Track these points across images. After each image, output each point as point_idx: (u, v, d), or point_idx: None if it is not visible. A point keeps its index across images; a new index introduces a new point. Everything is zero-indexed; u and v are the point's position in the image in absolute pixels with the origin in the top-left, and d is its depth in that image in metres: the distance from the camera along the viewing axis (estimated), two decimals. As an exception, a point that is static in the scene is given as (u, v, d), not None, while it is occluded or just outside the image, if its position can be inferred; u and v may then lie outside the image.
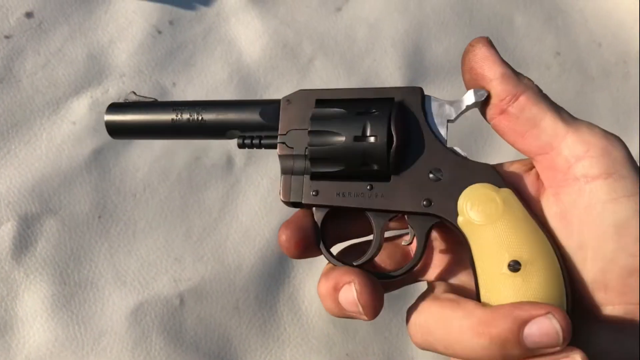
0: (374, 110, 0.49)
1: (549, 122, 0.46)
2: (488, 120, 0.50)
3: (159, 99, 0.80)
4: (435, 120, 0.50)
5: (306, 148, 0.51)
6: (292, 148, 0.52)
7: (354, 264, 0.52)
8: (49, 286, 0.77)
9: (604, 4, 1.09)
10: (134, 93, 0.59)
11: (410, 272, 0.52)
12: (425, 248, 0.50)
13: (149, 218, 0.83)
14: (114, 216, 0.82)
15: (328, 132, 0.49)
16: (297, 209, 0.54)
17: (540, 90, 0.48)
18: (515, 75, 0.47)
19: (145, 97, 0.59)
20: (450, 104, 0.50)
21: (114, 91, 0.88)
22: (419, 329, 0.47)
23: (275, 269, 0.84)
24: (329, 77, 0.95)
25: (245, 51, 0.94)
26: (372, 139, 0.48)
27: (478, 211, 0.47)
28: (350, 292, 0.48)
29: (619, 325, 0.44)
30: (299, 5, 0.99)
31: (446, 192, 0.48)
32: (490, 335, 0.41)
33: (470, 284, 0.51)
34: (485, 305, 0.45)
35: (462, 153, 0.49)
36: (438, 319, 0.45)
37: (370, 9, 1.01)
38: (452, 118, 0.50)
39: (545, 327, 0.40)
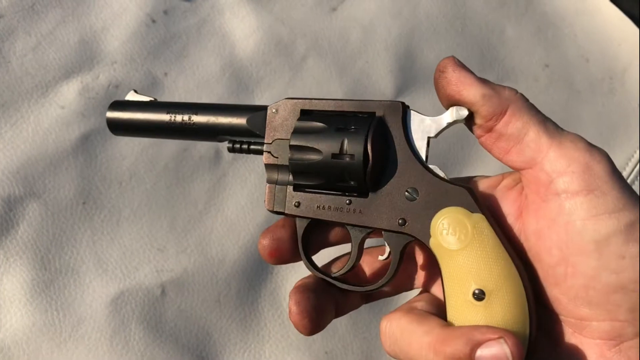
0: (352, 127, 0.49)
1: (533, 136, 0.46)
2: (476, 136, 0.50)
3: (151, 89, 0.80)
4: (415, 136, 0.50)
5: (289, 158, 0.51)
6: (277, 158, 0.53)
7: (332, 275, 0.53)
8: (28, 270, 0.76)
9: (593, 20, 1.11)
10: (135, 91, 0.61)
11: (389, 285, 0.53)
12: (399, 265, 0.51)
13: (134, 207, 0.82)
14: (98, 203, 0.81)
15: (308, 147, 0.50)
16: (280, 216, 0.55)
17: (525, 100, 0.48)
18: (496, 93, 0.47)
19: (146, 96, 0.60)
20: (431, 120, 0.50)
21: (105, 78, 0.87)
22: (388, 337, 0.48)
23: (258, 264, 0.84)
24: (320, 76, 0.95)
25: (238, 45, 0.94)
26: (348, 158, 0.48)
27: (449, 235, 0.47)
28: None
29: (606, 341, 0.44)
30: (295, 3, 0.99)
31: (420, 213, 0.48)
32: (445, 354, 0.43)
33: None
34: (447, 324, 0.46)
35: (441, 173, 0.49)
36: (404, 331, 0.47)
37: (364, 11, 1.01)
38: (433, 135, 0.50)
39: (495, 351, 0.41)
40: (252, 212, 0.86)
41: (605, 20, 1.11)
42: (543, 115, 0.48)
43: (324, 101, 0.53)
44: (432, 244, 0.48)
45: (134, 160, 0.84)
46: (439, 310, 0.49)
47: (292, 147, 0.51)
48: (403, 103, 0.50)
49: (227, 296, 0.81)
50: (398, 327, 0.47)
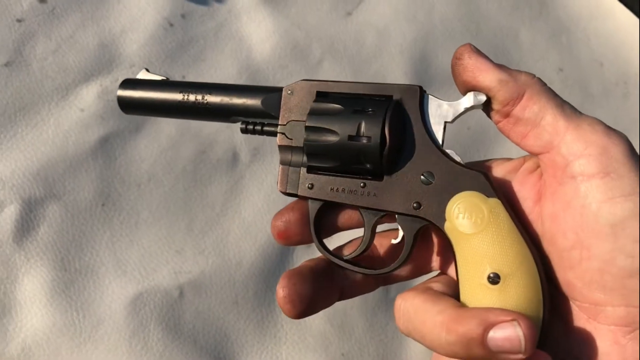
0: (369, 110, 0.49)
1: (550, 120, 0.46)
2: (494, 122, 0.50)
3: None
4: (432, 121, 0.50)
5: (304, 140, 0.51)
6: (291, 139, 0.52)
7: (344, 258, 0.52)
8: (49, 271, 0.77)
9: (605, 24, 1.11)
10: (147, 70, 0.60)
11: (404, 268, 0.53)
12: (412, 249, 0.51)
13: (152, 209, 0.83)
14: (117, 205, 0.82)
15: (324, 129, 0.49)
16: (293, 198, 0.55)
17: (542, 84, 0.47)
18: (512, 77, 0.47)
19: (157, 75, 0.60)
20: (449, 104, 0.50)
21: (124, 81, 0.88)
22: (401, 315, 0.48)
23: (275, 266, 0.84)
24: (336, 79, 0.96)
25: (255, 49, 0.95)
26: (365, 140, 0.48)
27: (465, 219, 0.47)
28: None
29: (620, 327, 0.44)
30: (311, 7, 1.00)
31: (436, 197, 0.48)
32: (457, 332, 0.43)
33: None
34: (461, 305, 0.46)
35: (457, 158, 0.49)
36: (418, 310, 0.47)
37: (379, 16, 1.02)
38: (450, 120, 0.50)
39: (509, 333, 0.41)
40: (269, 214, 0.86)
41: (618, 24, 1.11)
42: (560, 98, 0.47)
43: (340, 83, 0.52)
44: (447, 227, 0.48)
45: (152, 163, 0.85)
46: (454, 292, 0.49)
47: (307, 128, 0.50)
48: (420, 87, 0.50)
49: (244, 298, 0.82)
50: (412, 305, 0.47)
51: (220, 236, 0.84)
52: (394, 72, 0.99)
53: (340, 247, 0.56)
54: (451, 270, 0.54)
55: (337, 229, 0.57)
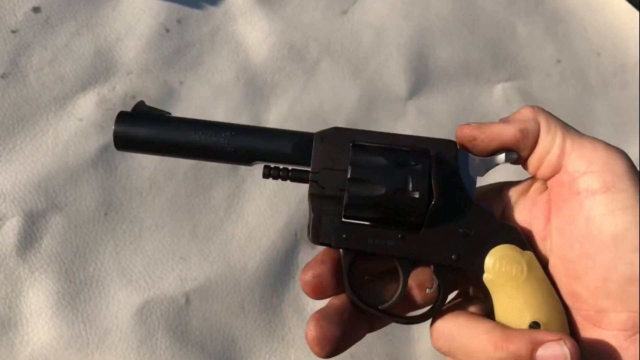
0: (413, 163, 0.49)
1: (559, 143, 0.49)
2: (525, 168, 0.53)
3: (168, 98, 0.79)
4: (466, 175, 0.51)
5: (339, 190, 0.50)
6: (324, 188, 0.51)
7: (379, 307, 0.52)
8: (53, 283, 0.77)
9: (603, 14, 1.11)
10: (144, 102, 0.55)
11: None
12: (446, 298, 0.52)
13: (155, 216, 0.83)
14: (120, 214, 0.82)
15: (368, 181, 0.49)
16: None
17: (544, 111, 0.51)
18: (524, 121, 0.50)
19: (157, 109, 0.55)
20: (481, 160, 0.51)
21: (121, 88, 0.87)
22: (441, 335, 0.50)
23: (280, 269, 0.84)
24: (334, 79, 0.95)
25: (252, 51, 0.94)
26: (413, 194, 0.49)
27: (504, 272, 0.49)
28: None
29: (622, 332, 0.47)
30: (306, 7, 0.99)
31: (474, 249, 0.50)
32: (507, 350, 0.45)
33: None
34: (505, 326, 0.49)
35: (490, 210, 0.51)
36: (463, 330, 0.49)
37: (375, 13, 1.02)
38: (482, 175, 0.52)
39: (556, 351, 0.44)
40: (272, 218, 0.86)
41: (615, 13, 1.11)
42: (564, 123, 0.51)
43: (374, 134, 0.52)
44: (486, 279, 0.50)
45: (153, 170, 0.84)
46: (487, 315, 0.52)
47: (350, 180, 0.50)
48: (455, 142, 0.51)
49: (251, 302, 0.82)
50: (456, 325, 0.49)
51: (225, 241, 0.84)
52: (392, 70, 0.98)
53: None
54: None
55: (367, 277, 0.57)
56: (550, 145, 0.50)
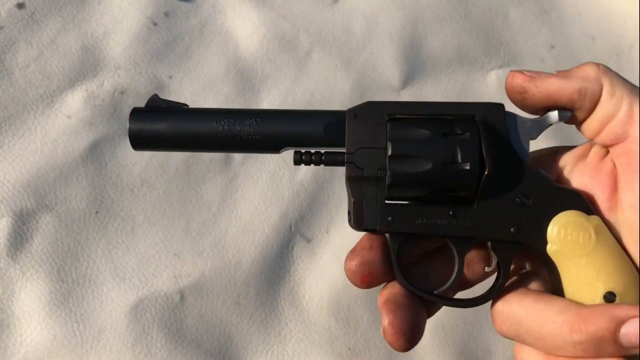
0: (460, 132, 0.45)
1: (626, 109, 0.45)
2: (579, 128, 0.48)
3: (157, 92, 0.77)
4: (518, 140, 0.47)
5: (379, 170, 0.47)
6: (362, 169, 0.47)
7: (435, 292, 0.49)
8: (46, 283, 0.76)
9: (596, -2, 1.09)
10: (157, 96, 0.52)
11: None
12: (507, 276, 0.48)
13: (147, 213, 0.82)
14: (111, 211, 0.81)
15: (412, 156, 0.45)
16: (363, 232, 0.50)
17: (610, 71, 0.46)
18: (586, 80, 0.45)
19: (173, 101, 0.52)
20: (532, 121, 0.48)
21: (110, 84, 0.86)
22: (506, 319, 0.46)
23: (275, 263, 0.83)
24: (326, 70, 0.94)
25: (242, 44, 0.93)
26: (463, 166, 0.45)
27: (570, 240, 0.45)
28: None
29: None
30: (296, -3, 0.98)
31: (534, 219, 0.46)
32: (587, 332, 0.41)
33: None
34: (581, 304, 0.44)
35: (546, 175, 0.47)
36: (531, 312, 0.45)
37: (366, 2, 1.00)
38: (535, 137, 0.48)
39: None
40: (266, 212, 0.85)
41: (608, -3, 1.09)
42: (630, 83, 0.46)
43: (411, 104, 0.48)
44: (551, 250, 0.46)
45: (144, 166, 0.83)
46: (554, 292, 0.48)
47: (392, 157, 0.46)
48: (503, 105, 0.47)
49: (246, 297, 0.81)
50: (522, 307, 0.45)
51: (218, 237, 0.83)
52: (384, 59, 0.97)
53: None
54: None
55: (417, 259, 0.53)
56: (614, 111, 0.45)
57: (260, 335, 0.80)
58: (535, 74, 0.46)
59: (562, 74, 0.46)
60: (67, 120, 0.83)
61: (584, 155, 0.49)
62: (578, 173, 0.49)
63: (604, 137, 0.46)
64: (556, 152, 0.50)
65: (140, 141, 0.50)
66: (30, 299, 0.75)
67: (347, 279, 0.82)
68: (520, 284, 0.49)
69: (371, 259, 0.49)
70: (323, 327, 0.81)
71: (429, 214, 0.47)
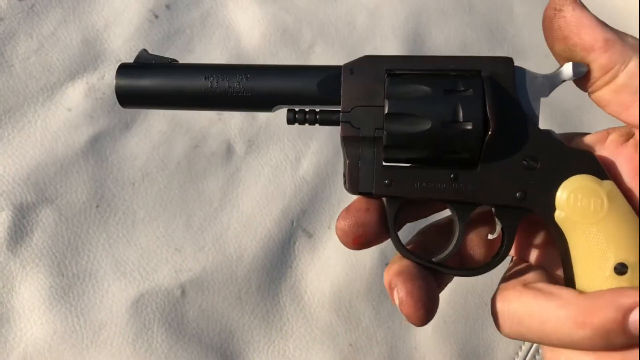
0: (463, 88, 0.42)
1: None
2: (588, 92, 0.45)
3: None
4: (528, 97, 0.44)
5: (377, 129, 0.44)
6: (358, 129, 0.45)
7: (433, 259, 0.47)
8: (46, 278, 0.75)
9: (601, -8, 1.08)
10: (146, 51, 0.49)
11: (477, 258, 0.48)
12: (512, 243, 0.46)
13: (148, 207, 0.81)
14: (112, 205, 0.80)
15: (410, 115, 0.43)
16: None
17: None
18: (620, 39, 0.42)
19: (162, 56, 0.49)
20: (544, 77, 0.44)
21: (110, 77, 0.85)
22: (507, 319, 0.44)
23: (277, 258, 0.82)
24: (329, 63, 0.93)
25: (244, 37, 0.92)
26: (465, 125, 0.42)
27: (580, 207, 0.42)
28: (396, 297, 0.44)
29: None
30: (298, -10, 0.97)
31: (542, 184, 0.43)
32: (593, 325, 0.39)
33: (553, 263, 0.48)
34: (583, 294, 0.41)
35: (558, 137, 0.44)
36: (531, 309, 0.42)
37: (369, -5, 0.99)
38: (546, 95, 0.44)
39: None
40: (268, 207, 0.84)
41: (614, -9, 1.09)
42: None
43: (413, 59, 0.45)
44: (559, 217, 0.43)
45: (145, 160, 0.82)
46: (554, 282, 0.45)
47: (389, 115, 0.43)
48: (512, 59, 0.44)
49: (247, 292, 0.80)
50: (522, 304, 0.43)
51: (220, 231, 0.82)
52: (388, 53, 0.96)
53: (409, 242, 0.50)
54: (531, 257, 0.50)
55: (410, 221, 0.51)
56: None
57: (262, 331, 0.79)
58: (580, 3, 0.43)
59: (603, 22, 0.43)
60: (67, 113, 0.82)
61: (600, 141, 0.46)
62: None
63: (635, 112, 0.43)
64: (572, 138, 0.47)
65: (127, 97, 0.48)
66: (30, 293, 0.74)
67: (348, 275, 0.83)
68: (520, 278, 0.46)
69: (366, 221, 0.46)
70: (325, 322, 0.81)
71: (428, 177, 0.44)
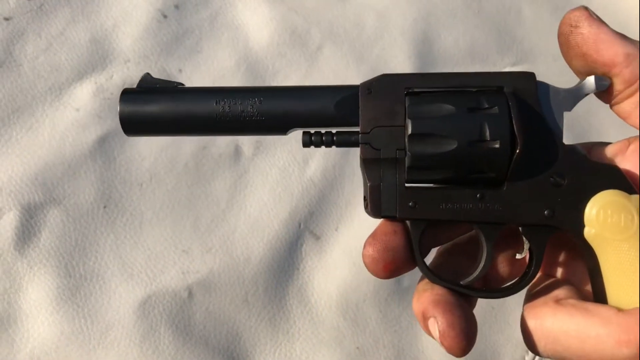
0: (487, 106, 0.41)
1: None
2: (610, 105, 0.44)
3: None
4: (552, 112, 0.43)
5: (398, 150, 0.43)
6: (379, 150, 0.43)
7: (461, 283, 0.45)
8: (53, 278, 0.75)
9: (610, -5, 1.08)
10: (149, 75, 0.48)
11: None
12: (540, 263, 0.45)
13: (156, 209, 0.81)
14: (119, 206, 0.80)
15: (434, 135, 0.41)
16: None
17: None
18: (634, 57, 0.40)
19: (167, 80, 0.47)
20: (566, 91, 0.43)
21: (119, 77, 0.85)
22: (542, 337, 0.42)
23: (284, 261, 0.82)
24: (337, 65, 0.93)
25: (252, 37, 0.92)
26: (493, 144, 0.41)
27: (610, 223, 0.41)
28: (435, 329, 0.43)
29: None
30: (307, -9, 0.97)
31: (570, 200, 0.42)
32: (637, 343, 0.38)
33: (581, 278, 0.47)
34: (623, 311, 0.40)
35: (583, 151, 0.43)
36: (568, 328, 0.40)
37: (378, -3, 0.99)
38: (569, 109, 0.44)
39: None
40: (275, 209, 0.84)
41: (623, -5, 1.08)
42: None
43: (432, 76, 0.44)
44: (589, 234, 0.42)
45: (153, 161, 0.82)
46: (583, 298, 0.43)
47: (412, 136, 0.42)
48: (534, 74, 0.43)
49: (254, 295, 0.80)
50: (556, 322, 0.41)
51: (227, 233, 0.82)
52: (396, 55, 0.96)
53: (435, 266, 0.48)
54: (559, 273, 0.49)
55: (436, 245, 0.50)
56: None
57: (268, 333, 0.79)
58: (596, 18, 0.43)
59: (622, 34, 0.42)
60: (75, 113, 0.82)
61: (621, 152, 0.45)
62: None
63: None
64: (592, 148, 0.46)
65: (132, 125, 0.46)
66: (38, 293, 0.74)
67: (356, 278, 0.82)
68: (550, 294, 0.45)
69: (395, 245, 0.44)
70: (331, 325, 0.81)
71: (453, 198, 0.43)
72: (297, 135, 0.86)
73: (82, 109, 0.82)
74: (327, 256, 0.83)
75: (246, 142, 0.86)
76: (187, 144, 0.84)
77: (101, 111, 0.82)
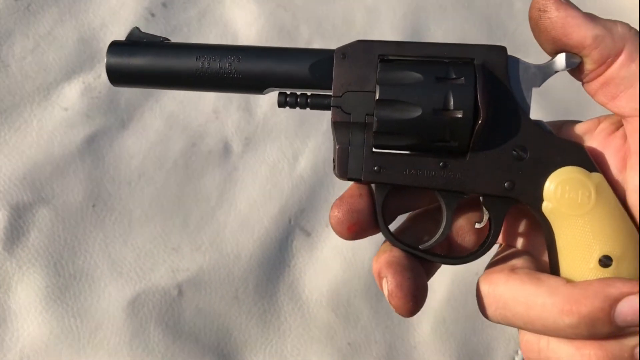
0: (455, 76, 0.42)
1: None
2: (581, 82, 0.45)
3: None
4: (520, 87, 0.44)
5: (367, 115, 0.44)
6: (349, 114, 0.44)
7: (420, 247, 0.47)
8: (42, 278, 0.75)
9: (603, -13, 1.07)
10: (138, 29, 0.49)
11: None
12: (499, 233, 0.46)
13: (145, 207, 0.81)
14: (108, 205, 0.80)
15: (401, 101, 0.42)
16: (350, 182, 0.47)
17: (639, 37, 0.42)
18: (609, 32, 0.41)
19: (154, 35, 0.49)
20: (537, 68, 0.44)
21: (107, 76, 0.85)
22: (492, 302, 0.44)
23: (274, 257, 0.82)
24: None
25: (241, 34, 0.92)
26: (455, 113, 0.42)
27: (567, 199, 0.42)
28: (385, 288, 0.44)
29: None
30: (296, -13, 0.96)
31: (531, 174, 0.43)
32: (580, 314, 0.39)
33: (540, 249, 0.48)
34: (571, 282, 0.41)
35: (548, 128, 0.44)
36: (518, 295, 0.42)
37: (368, -8, 0.99)
38: (538, 85, 0.44)
39: (636, 305, 0.38)
40: (265, 206, 0.84)
41: (615, -14, 1.07)
42: None
43: (407, 45, 0.45)
44: (546, 208, 0.43)
45: (142, 159, 0.82)
46: (541, 269, 0.45)
47: (379, 101, 0.43)
48: (505, 47, 0.44)
49: (244, 292, 0.80)
50: (508, 289, 0.42)
51: (217, 230, 0.82)
52: (386, 50, 0.96)
53: (398, 231, 0.49)
54: (519, 243, 0.50)
55: (401, 212, 0.50)
56: (633, 77, 0.41)
57: (259, 330, 0.79)
58: (564, 1, 0.43)
59: (590, 15, 0.42)
60: (63, 112, 0.82)
61: (590, 131, 0.46)
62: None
63: (622, 103, 0.42)
64: (562, 126, 0.47)
65: (117, 76, 0.48)
66: (27, 293, 0.74)
67: (347, 274, 0.82)
68: (507, 263, 0.46)
69: (360, 207, 0.46)
70: (323, 322, 0.80)
71: (417, 165, 0.44)
72: (287, 130, 0.86)
73: (70, 108, 0.82)
74: (317, 252, 0.83)
75: (235, 138, 0.86)
76: (176, 142, 0.84)
77: (89, 110, 0.83)
